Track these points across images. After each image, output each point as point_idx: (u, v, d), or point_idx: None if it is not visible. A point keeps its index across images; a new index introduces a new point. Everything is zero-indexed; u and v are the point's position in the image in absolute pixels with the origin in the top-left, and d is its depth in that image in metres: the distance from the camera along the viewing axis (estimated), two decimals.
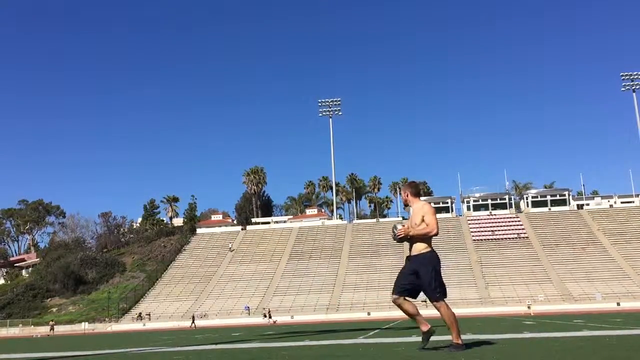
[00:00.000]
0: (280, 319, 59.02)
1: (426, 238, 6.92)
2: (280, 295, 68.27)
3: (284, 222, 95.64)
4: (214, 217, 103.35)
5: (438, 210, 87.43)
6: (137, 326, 61.46)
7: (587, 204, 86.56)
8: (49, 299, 78.82)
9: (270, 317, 57.71)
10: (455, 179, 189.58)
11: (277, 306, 64.70)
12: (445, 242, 77.69)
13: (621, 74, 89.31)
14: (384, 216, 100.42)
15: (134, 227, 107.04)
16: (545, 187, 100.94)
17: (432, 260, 6.87)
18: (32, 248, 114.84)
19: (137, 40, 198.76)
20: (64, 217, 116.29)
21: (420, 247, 6.93)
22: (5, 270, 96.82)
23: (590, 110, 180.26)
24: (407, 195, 7.32)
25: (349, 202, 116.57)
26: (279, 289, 70.22)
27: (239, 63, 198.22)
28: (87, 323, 64.50)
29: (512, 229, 79.11)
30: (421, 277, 6.83)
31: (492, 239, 77.12)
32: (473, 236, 78.28)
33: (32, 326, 66.34)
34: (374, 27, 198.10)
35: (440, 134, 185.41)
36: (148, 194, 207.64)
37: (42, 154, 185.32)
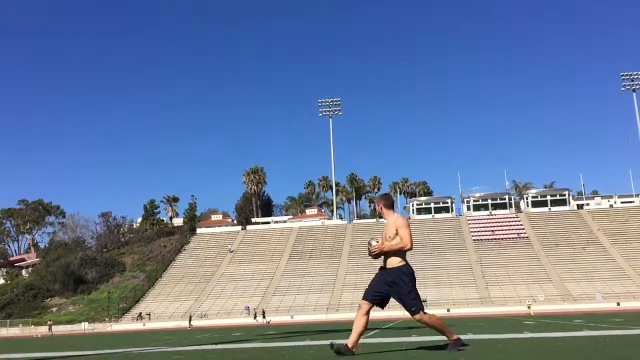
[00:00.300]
0: (281, 319, 59.05)
1: (401, 252, 6.90)
2: (280, 295, 68.29)
3: (284, 222, 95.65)
4: (214, 217, 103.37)
5: (438, 210, 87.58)
6: (137, 326, 61.48)
7: (587, 204, 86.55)
8: (49, 299, 78.83)
9: (264, 317, 57.94)
10: (455, 179, 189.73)
11: (277, 306, 64.72)
12: (445, 242, 77.81)
13: (621, 74, 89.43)
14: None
15: (134, 227, 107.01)
16: (545, 187, 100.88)
17: (409, 275, 6.85)
18: (32, 248, 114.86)
19: (137, 40, 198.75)
20: (64, 217, 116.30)
21: (395, 261, 6.90)
22: (5, 270, 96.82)
23: (590, 110, 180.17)
24: (381, 208, 7.31)
25: (349, 202, 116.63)
26: (279, 289, 70.23)
27: (239, 63, 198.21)
28: (87, 323, 64.47)
29: (512, 229, 79.12)
30: (399, 291, 6.81)
31: (492, 239, 77.13)
32: (473, 236, 78.30)
33: (32, 326, 66.35)
34: (374, 27, 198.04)
35: (440, 134, 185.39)
36: (148, 194, 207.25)
37: (42, 154, 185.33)
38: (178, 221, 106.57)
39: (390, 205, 7.31)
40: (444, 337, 7.29)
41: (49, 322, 62.07)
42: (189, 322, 56.62)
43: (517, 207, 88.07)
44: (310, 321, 50.84)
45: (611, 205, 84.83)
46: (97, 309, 72.80)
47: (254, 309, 61.76)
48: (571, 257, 70.28)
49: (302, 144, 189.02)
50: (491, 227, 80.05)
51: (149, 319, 64.69)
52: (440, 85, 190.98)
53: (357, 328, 6.95)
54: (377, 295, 6.94)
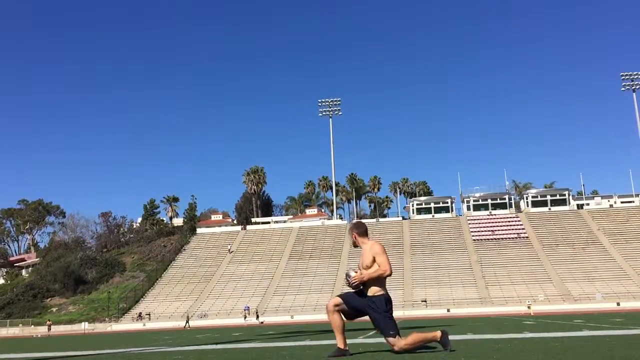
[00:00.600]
0: (280, 319, 59.05)
1: (380, 279, 6.79)
2: (280, 295, 68.28)
3: (284, 222, 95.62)
4: (214, 217, 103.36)
5: (438, 210, 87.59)
6: (137, 326, 61.47)
7: (587, 204, 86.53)
8: (49, 299, 78.84)
9: (257, 317, 57.92)
10: (455, 179, 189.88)
11: (277, 306, 64.73)
12: (445, 242, 77.79)
13: (621, 74, 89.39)
14: (384, 216, 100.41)
15: (134, 227, 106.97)
16: (545, 187, 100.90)
17: (387, 303, 6.76)
18: (32, 248, 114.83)
19: (137, 40, 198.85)
20: (64, 217, 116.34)
21: (374, 290, 6.78)
22: (5, 270, 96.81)
23: (590, 110, 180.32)
24: (355, 237, 7.13)
25: (349, 202, 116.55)
26: (279, 288, 70.22)
27: (239, 63, 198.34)
28: (87, 323, 64.45)
29: (512, 229, 79.12)
30: (376, 319, 6.73)
31: (492, 239, 77.12)
32: (473, 236, 78.29)
33: (32, 326, 66.35)
34: (374, 27, 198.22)
35: (440, 134, 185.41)
36: (148, 194, 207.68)
37: (42, 154, 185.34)
38: (178, 221, 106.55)
39: (364, 233, 7.13)
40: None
41: (48, 322, 62.08)
42: (186, 322, 56.32)
43: (517, 207, 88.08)
44: (310, 321, 50.80)
45: (611, 205, 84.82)
46: (97, 309, 72.81)
47: (244, 310, 61.82)
48: (571, 257, 70.29)
49: (302, 144, 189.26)
50: (491, 227, 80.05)
51: (149, 319, 64.69)
52: (440, 85, 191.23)
53: (336, 326, 6.89)
54: (351, 305, 6.83)
